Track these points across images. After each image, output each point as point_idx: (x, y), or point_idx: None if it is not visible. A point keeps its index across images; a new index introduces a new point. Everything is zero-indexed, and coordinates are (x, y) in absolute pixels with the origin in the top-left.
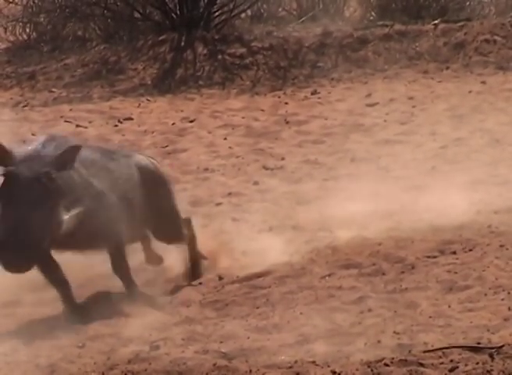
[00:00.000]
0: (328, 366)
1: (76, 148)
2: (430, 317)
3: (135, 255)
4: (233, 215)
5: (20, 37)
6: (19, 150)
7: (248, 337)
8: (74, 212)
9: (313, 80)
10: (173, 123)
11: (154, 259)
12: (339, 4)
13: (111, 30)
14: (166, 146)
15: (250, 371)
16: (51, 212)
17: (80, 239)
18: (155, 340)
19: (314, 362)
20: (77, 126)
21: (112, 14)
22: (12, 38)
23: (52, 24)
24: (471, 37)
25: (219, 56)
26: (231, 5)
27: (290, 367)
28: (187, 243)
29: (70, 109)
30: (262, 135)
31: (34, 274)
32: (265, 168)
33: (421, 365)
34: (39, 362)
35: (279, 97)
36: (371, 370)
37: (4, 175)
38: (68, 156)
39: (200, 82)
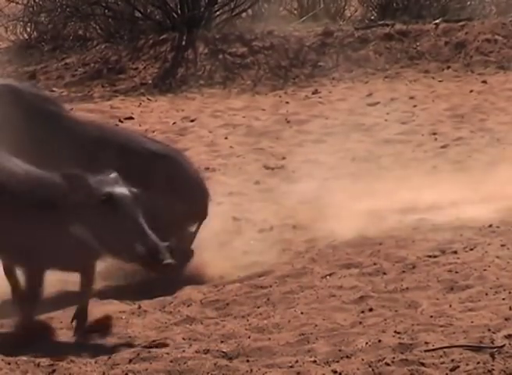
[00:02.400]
0: (329, 366)
1: None
2: (431, 317)
3: None
4: (234, 214)
5: (21, 37)
6: None
7: (249, 337)
8: None
9: (314, 79)
10: (174, 123)
11: None
12: (340, 3)
13: (112, 30)
14: (167, 146)
15: (251, 371)
16: None
17: None
18: (156, 339)
19: (315, 361)
20: None
21: (112, 13)
22: (12, 38)
23: (53, 23)
24: (471, 36)
25: (220, 56)
26: (232, 5)
27: (291, 367)
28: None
29: (71, 109)
30: (263, 134)
31: None
32: (266, 167)
33: (422, 364)
34: (40, 362)
35: (280, 96)
36: (372, 370)
37: None
38: None
39: (201, 81)
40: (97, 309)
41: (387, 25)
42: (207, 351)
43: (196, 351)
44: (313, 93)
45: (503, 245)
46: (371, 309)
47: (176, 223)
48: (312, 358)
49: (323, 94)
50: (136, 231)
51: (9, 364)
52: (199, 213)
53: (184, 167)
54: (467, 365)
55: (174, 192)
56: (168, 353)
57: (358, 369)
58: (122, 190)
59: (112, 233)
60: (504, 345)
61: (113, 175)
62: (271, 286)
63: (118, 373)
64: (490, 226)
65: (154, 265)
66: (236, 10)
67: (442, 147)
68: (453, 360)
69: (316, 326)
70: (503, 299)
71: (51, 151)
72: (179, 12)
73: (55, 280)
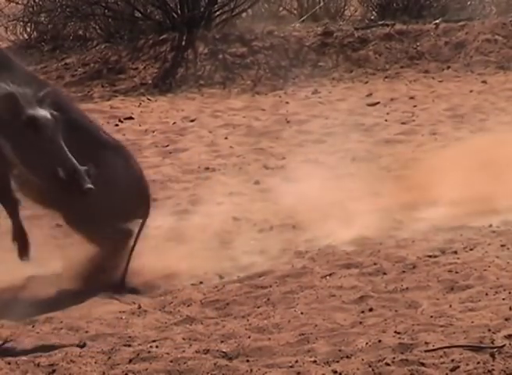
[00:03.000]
0: (329, 366)
1: None
2: (431, 317)
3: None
4: (234, 214)
5: (21, 37)
6: None
7: (249, 337)
8: None
9: (314, 79)
10: (174, 123)
11: None
12: (340, 3)
13: (111, 30)
14: (167, 145)
15: (251, 371)
16: None
17: None
18: (156, 339)
19: (315, 361)
20: None
21: (112, 13)
22: (12, 38)
23: (53, 24)
24: (471, 36)
25: (220, 55)
26: (232, 5)
27: (291, 367)
28: None
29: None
30: (263, 134)
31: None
32: (266, 167)
33: (422, 364)
34: (39, 362)
35: (280, 96)
36: (372, 370)
37: None
38: None
39: (201, 81)
40: (97, 309)
41: (387, 25)
42: (207, 351)
43: (196, 351)
44: (313, 93)
45: (502, 245)
46: (371, 309)
47: (113, 216)
48: (312, 358)
49: (323, 94)
50: (56, 154)
51: (9, 364)
52: (137, 210)
53: (127, 162)
54: (467, 365)
55: (114, 185)
56: (168, 353)
57: (358, 369)
58: (45, 113)
59: (33, 155)
60: (504, 345)
61: (43, 94)
62: (271, 286)
63: (118, 373)
64: (490, 226)
65: (72, 187)
66: (236, 10)
67: (442, 147)
68: (453, 360)
69: (316, 326)
70: (503, 299)
71: None
72: (179, 12)
73: (54, 280)
